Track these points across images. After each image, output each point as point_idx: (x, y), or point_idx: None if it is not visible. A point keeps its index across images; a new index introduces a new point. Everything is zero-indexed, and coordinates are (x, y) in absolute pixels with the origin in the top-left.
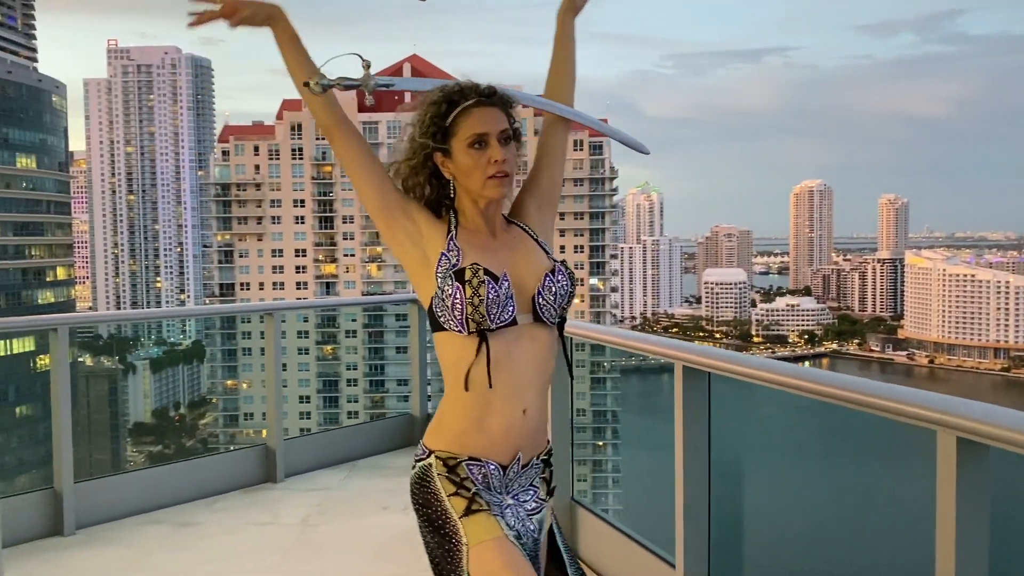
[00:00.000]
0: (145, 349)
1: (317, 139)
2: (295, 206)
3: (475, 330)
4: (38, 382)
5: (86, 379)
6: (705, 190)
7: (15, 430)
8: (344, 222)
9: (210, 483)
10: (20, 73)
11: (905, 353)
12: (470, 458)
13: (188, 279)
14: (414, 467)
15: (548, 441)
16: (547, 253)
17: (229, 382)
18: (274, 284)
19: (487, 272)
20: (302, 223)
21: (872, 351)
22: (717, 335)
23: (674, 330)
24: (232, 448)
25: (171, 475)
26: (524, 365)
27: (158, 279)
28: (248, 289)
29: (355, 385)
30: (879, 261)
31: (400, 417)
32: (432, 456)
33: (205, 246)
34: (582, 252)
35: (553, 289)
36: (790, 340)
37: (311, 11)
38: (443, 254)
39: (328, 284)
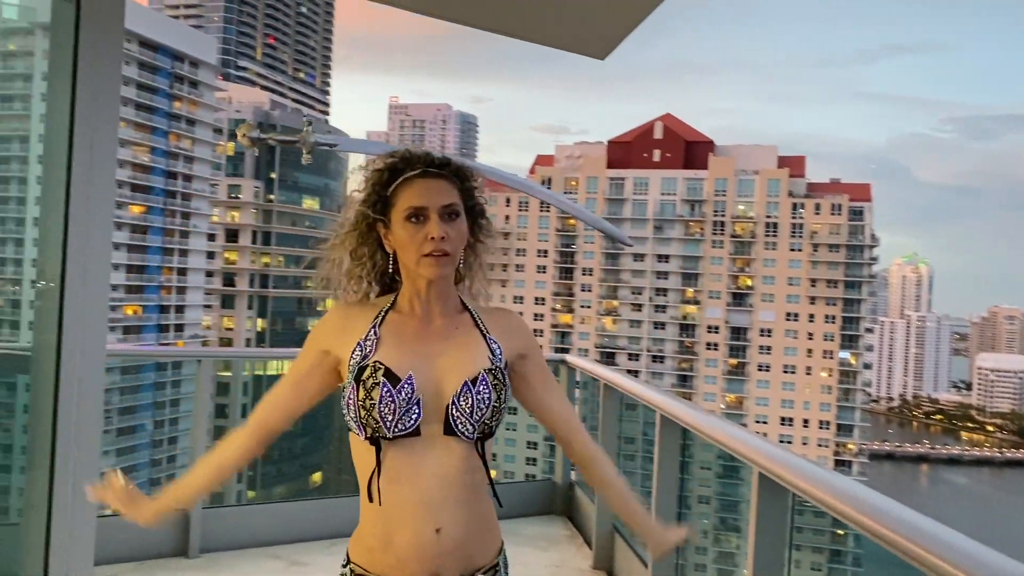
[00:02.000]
0: None
1: (565, 192)
2: (538, 256)
3: (370, 436)
4: None
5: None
6: (983, 266)
7: (276, 444)
8: (584, 274)
9: (335, 524)
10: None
11: None
12: None
13: None
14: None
15: (498, 551)
16: (492, 353)
17: None
18: None
19: (388, 372)
20: (543, 272)
21: None
22: (989, 427)
23: (937, 416)
24: None
25: (299, 512)
26: (432, 480)
27: None
28: None
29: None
30: None
31: (541, 482)
32: (349, 568)
33: None
34: (833, 322)
35: (470, 400)
36: None
37: (568, 72)
38: (359, 343)
39: (563, 333)
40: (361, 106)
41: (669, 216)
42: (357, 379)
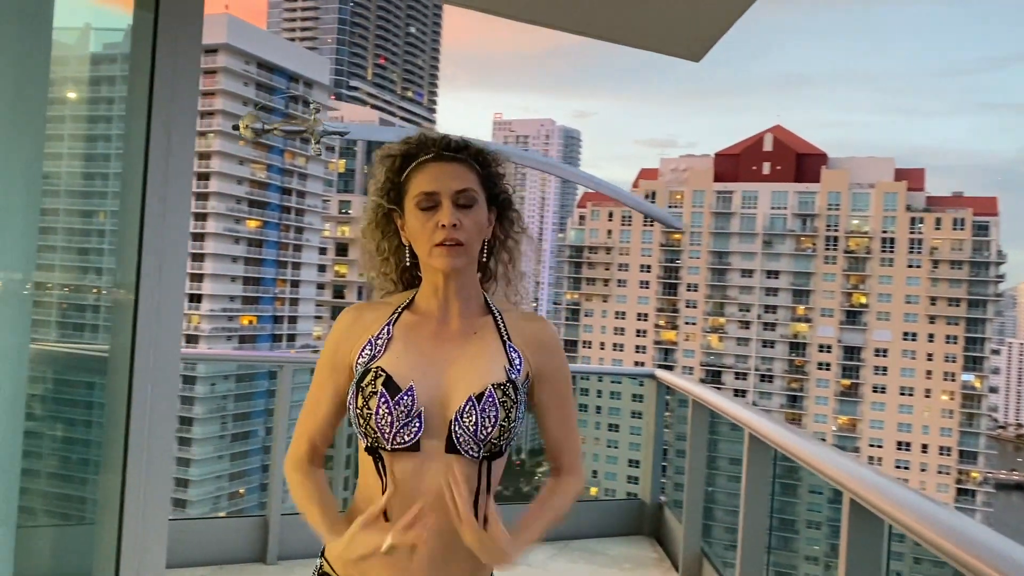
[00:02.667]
0: None
1: (669, 206)
2: (641, 271)
3: (369, 447)
4: None
5: None
6: None
7: None
8: (689, 289)
9: None
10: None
11: None
12: None
13: None
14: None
15: None
16: (509, 363)
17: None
18: (614, 345)
19: (388, 381)
20: (646, 288)
21: None
22: None
23: None
24: None
25: None
26: (429, 497)
27: None
28: (589, 348)
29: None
30: None
31: (628, 501)
32: (321, 561)
33: (555, 303)
34: (955, 343)
35: (473, 418)
36: None
37: (674, 85)
38: (370, 341)
39: (667, 351)
40: (466, 123)
41: (779, 231)
42: (358, 385)
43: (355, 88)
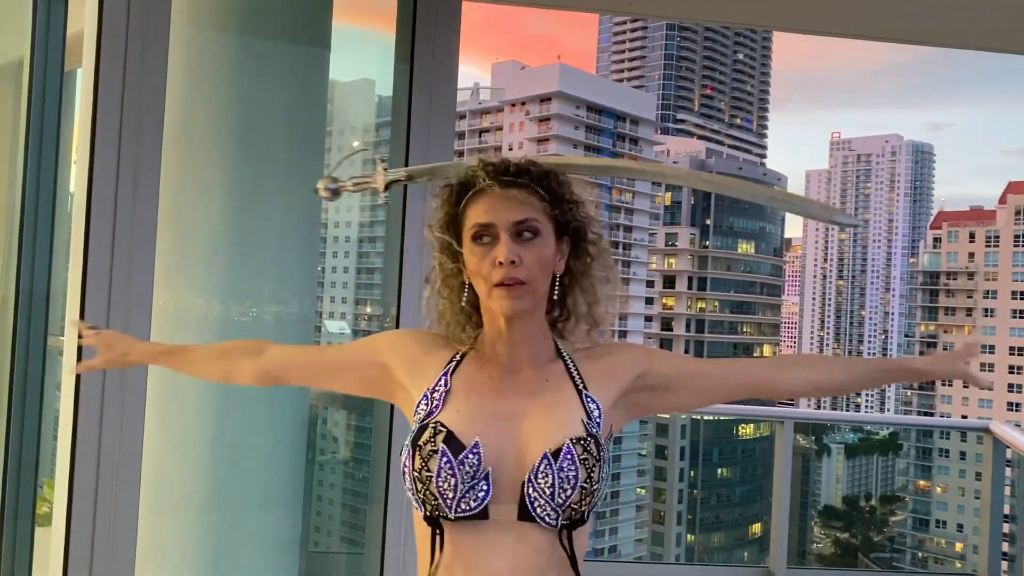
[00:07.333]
0: (842, 433)
1: None
2: (1014, 298)
3: (428, 515)
4: (738, 448)
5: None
6: None
7: (715, 488)
8: None
9: None
10: (748, 169)
11: None
12: None
13: None
14: None
15: None
16: (587, 415)
17: (921, 482)
18: None
19: (449, 438)
20: (1021, 318)
21: None
22: None
23: None
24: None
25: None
26: (501, 574)
27: None
28: (949, 386)
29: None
30: None
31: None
32: None
33: (907, 335)
34: None
35: (551, 479)
36: None
37: None
38: (426, 394)
39: None
40: (800, 146)
41: None
42: (414, 443)
43: (681, 121)
